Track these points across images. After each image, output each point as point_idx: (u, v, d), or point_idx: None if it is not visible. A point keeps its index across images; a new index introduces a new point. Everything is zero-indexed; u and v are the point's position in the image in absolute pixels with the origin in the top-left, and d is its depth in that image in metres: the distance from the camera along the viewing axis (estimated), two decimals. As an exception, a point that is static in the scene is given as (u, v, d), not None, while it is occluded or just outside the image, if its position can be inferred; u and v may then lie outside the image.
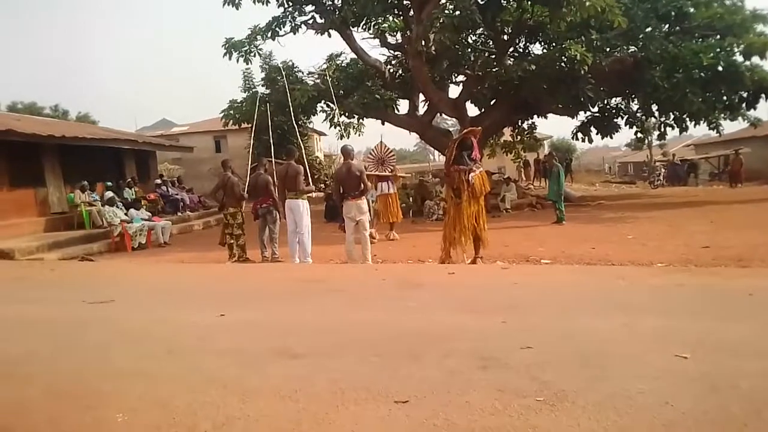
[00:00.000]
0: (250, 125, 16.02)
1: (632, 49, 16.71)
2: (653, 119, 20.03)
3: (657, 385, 2.81)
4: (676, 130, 18.96)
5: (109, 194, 13.93)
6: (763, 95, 16.23)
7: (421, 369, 3.21)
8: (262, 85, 19.84)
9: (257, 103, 14.29)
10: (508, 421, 2.50)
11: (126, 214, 12.96)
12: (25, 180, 13.47)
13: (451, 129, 24.50)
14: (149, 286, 6.65)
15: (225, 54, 17.60)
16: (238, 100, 19.19)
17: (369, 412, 2.69)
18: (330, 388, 2.98)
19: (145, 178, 18.87)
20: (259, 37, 17.79)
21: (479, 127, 8.83)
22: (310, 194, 9.14)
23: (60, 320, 4.87)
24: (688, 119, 17.44)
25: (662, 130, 19.41)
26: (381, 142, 12.17)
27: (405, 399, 2.78)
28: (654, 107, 17.94)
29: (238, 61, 17.79)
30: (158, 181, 18.59)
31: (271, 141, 11.32)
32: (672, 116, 18.12)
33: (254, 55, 18.09)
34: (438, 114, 20.86)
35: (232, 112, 18.81)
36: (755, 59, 15.38)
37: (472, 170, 7.57)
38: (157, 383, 3.22)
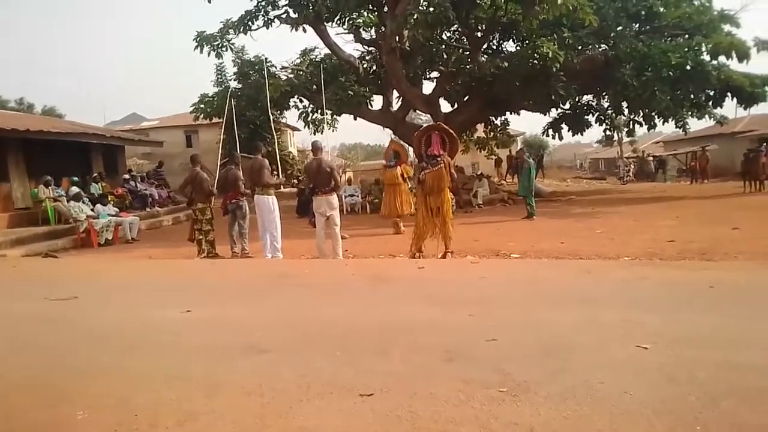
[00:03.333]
0: (221, 120, 15.85)
1: (603, 47, 17.01)
2: (623, 116, 20.39)
3: (617, 375, 2.85)
4: (645, 127, 19.36)
5: (75, 189, 13.64)
6: (728, 94, 16.63)
7: (387, 363, 3.21)
8: (235, 80, 19.65)
9: (228, 98, 14.15)
10: (471, 412, 2.52)
11: (92, 210, 12.71)
12: (-12, 175, 13.13)
13: (424, 125, 24.61)
14: (115, 283, 6.52)
15: (196, 47, 17.39)
16: (210, 95, 18.98)
17: (334, 405, 2.68)
18: (296, 382, 2.97)
19: (114, 173, 18.52)
20: (231, 30, 17.63)
21: (439, 123, 8.89)
22: (278, 188, 9.11)
23: (21, 317, 4.75)
24: (656, 117, 17.82)
25: (631, 127, 19.78)
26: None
27: (370, 392, 2.77)
28: (624, 104, 18.28)
29: (209, 54, 17.64)
30: (126, 176, 18.27)
31: (237, 135, 11.23)
32: (641, 113, 18.49)
33: (226, 50, 17.95)
34: (412, 110, 20.93)
35: (203, 106, 18.64)
36: (722, 59, 15.78)
37: (423, 168, 7.82)
38: (120, 380, 3.16)
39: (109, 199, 14.31)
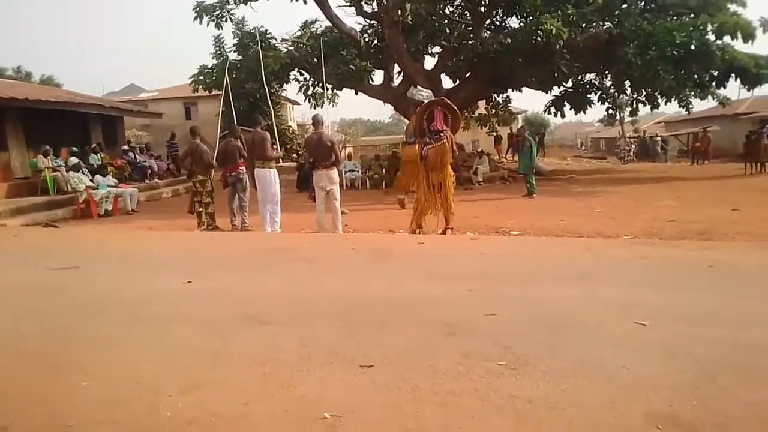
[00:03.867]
0: (220, 92, 15.71)
1: (607, 24, 16.77)
2: (625, 95, 20.25)
3: (616, 351, 2.88)
4: (648, 106, 19.24)
5: (74, 160, 13.62)
6: (732, 74, 16.46)
7: (387, 335, 3.24)
8: (234, 51, 19.41)
9: (227, 70, 14.02)
10: (470, 385, 2.55)
11: (91, 180, 12.68)
12: (-14, 144, 13.07)
13: (426, 101, 24.45)
14: (115, 253, 6.53)
15: (195, 18, 17.19)
16: (209, 66, 18.79)
17: (335, 375, 2.71)
18: (297, 353, 3.00)
19: (113, 144, 18.43)
20: (231, 1, 17.40)
21: (442, 98, 8.80)
22: (278, 161, 9.08)
23: (22, 287, 4.77)
24: (659, 96, 17.67)
25: (634, 106, 19.65)
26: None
27: (370, 364, 2.80)
28: (627, 83, 18.11)
29: (208, 25, 17.43)
30: (125, 147, 18.19)
31: (236, 108, 11.13)
32: (644, 93, 18.35)
33: (226, 20, 17.73)
34: (413, 85, 20.75)
35: (202, 77, 18.45)
36: (726, 39, 15.56)
37: (426, 143, 7.70)
38: (123, 350, 3.18)
39: (109, 170, 14.28)
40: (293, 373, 2.74)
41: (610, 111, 22.07)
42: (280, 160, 9.34)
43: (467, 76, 19.10)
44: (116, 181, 13.67)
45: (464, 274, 4.73)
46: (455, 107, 8.21)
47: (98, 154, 15.62)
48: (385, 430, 2.20)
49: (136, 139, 23.61)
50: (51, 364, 2.99)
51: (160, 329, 3.54)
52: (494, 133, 25.36)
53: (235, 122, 10.44)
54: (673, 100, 17.51)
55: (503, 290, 4.19)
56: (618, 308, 3.62)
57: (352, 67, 17.73)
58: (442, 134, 7.68)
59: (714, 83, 17.03)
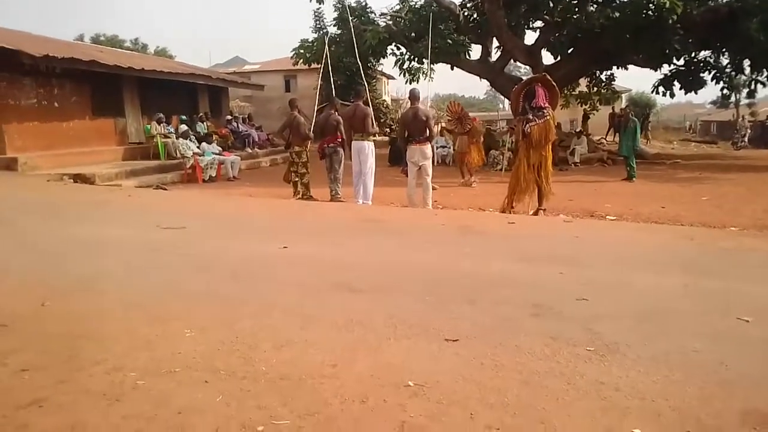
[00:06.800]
0: (319, 65, 16.00)
1: (728, -3, 15.48)
2: (744, 75, 18.68)
3: (714, 345, 2.76)
4: (768, 87, 17.69)
5: (184, 127, 14.43)
6: None
7: (474, 312, 3.26)
8: (334, 25, 19.67)
9: (326, 44, 14.26)
10: (556, 367, 2.53)
11: (198, 147, 13.42)
12: (107, 110, 14.15)
13: (524, 77, 23.73)
14: (218, 216, 6.94)
15: (298, -9, 17.53)
16: (309, 40, 19.16)
17: (420, 346, 2.78)
18: (385, 322, 3.09)
19: (217, 114, 19.35)
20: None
21: (543, 74, 8.50)
22: (374, 136, 9.19)
23: (135, 242, 5.19)
24: (783, 77, 16.20)
25: (753, 87, 18.12)
26: (454, 101, 14.04)
27: (455, 338, 2.84)
28: (746, 62, 16.70)
29: (311, 0, 17.72)
30: (229, 117, 19.03)
31: (332, 82, 11.34)
32: (765, 73, 16.86)
33: (327, -6, 17.97)
34: (511, 61, 20.18)
35: (302, 51, 18.85)
36: None
37: (528, 120, 7.41)
38: (222, 305, 3.41)
39: (214, 138, 15.02)
40: (380, 341, 2.83)
41: (725, 92, 20.45)
42: (376, 134, 9.43)
43: (569, 52, 18.32)
44: (220, 149, 14.38)
45: (555, 257, 4.64)
46: (554, 84, 7.93)
47: (205, 123, 16.47)
48: (466, 402, 2.23)
49: (239, 110, 24.61)
50: (156, 313, 3.25)
51: (257, 289, 3.75)
52: (593, 112, 24.19)
53: (334, 96, 10.63)
54: (799, 81, 16.00)
55: (596, 275, 4.08)
56: (719, 301, 3.44)
57: (449, 41, 17.48)
58: (545, 111, 7.44)
59: None
